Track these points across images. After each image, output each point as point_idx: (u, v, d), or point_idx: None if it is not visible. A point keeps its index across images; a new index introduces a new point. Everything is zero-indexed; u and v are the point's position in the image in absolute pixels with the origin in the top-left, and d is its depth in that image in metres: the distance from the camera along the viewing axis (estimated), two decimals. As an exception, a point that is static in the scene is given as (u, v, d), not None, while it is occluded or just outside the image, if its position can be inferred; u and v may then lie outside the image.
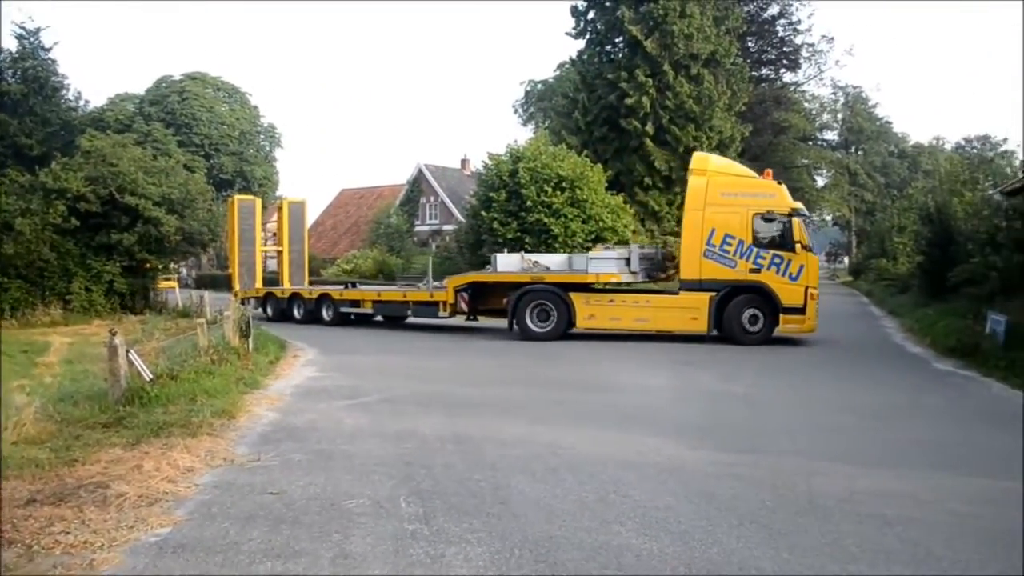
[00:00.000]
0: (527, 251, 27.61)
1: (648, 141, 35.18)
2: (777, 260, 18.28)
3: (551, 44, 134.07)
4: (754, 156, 41.14)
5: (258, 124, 69.89)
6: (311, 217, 46.10)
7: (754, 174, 20.24)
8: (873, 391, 12.75)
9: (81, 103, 49.85)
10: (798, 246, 18.34)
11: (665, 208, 35.82)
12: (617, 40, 37.76)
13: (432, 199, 53.55)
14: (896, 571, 5.26)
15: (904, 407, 11.40)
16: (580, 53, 39.03)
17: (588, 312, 19.30)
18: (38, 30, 44.47)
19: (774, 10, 47.08)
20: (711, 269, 18.57)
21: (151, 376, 10.60)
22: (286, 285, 27.00)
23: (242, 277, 26.47)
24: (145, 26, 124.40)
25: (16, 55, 43.77)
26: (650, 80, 34.99)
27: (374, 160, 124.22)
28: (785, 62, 49.05)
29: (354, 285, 26.93)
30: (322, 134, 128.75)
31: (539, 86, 62.23)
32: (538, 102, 60.95)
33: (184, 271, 49.44)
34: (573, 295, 19.38)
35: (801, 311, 18.20)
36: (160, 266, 27.66)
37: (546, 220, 28.87)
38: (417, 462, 7.90)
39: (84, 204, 23.79)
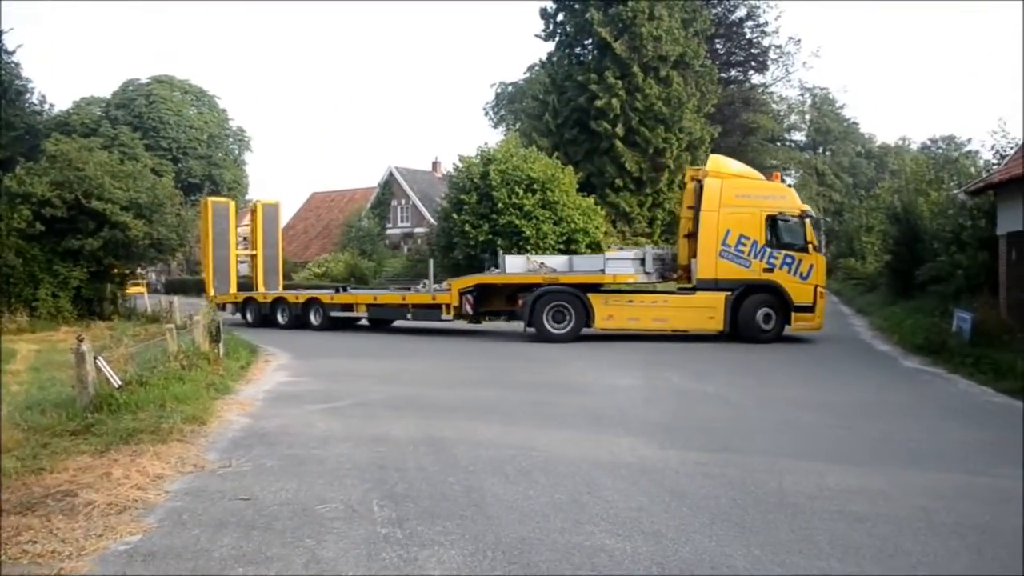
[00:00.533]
0: (501, 253, 27.63)
1: (618, 143, 35.32)
2: (789, 260, 18.91)
3: (521, 46, 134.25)
4: (724, 157, 41.41)
5: (227, 127, 69.25)
6: (282, 221, 45.70)
7: (763, 177, 20.86)
8: (842, 389, 12.90)
9: (46, 107, 49.41)
10: (810, 246, 19.06)
11: (636, 209, 35.99)
12: (587, 42, 37.88)
13: (403, 202, 53.37)
14: (865, 566, 5.33)
15: (873, 404, 11.53)
16: (550, 55, 39.12)
17: (607, 312, 19.48)
18: (0, 33, 43.86)
19: (742, 12, 47.52)
20: (726, 269, 19.02)
21: (120, 382, 10.47)
22: (260, 289, 26.59)
23: (216, 282, 25.98)
24: (111, 29, 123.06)
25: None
26: (620, 82, 35.15)
27: (345, 163, 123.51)
28: (753, 64, 49.46)
29: (345, 289, 26.61)
30: (292, 137, 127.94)
31: (509, 88, 62.29)
32: (509, 104, 60.99)
33: (153, 276, 48.95)
34: (592, 296, 19.52)
35: (811, 309, 18.89)
36: (128, 271, 27.35)
37: (517, 222, 28.88)
38: (390, 465, 7.88)
39: (50, 209, 23.43)
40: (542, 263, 21.07)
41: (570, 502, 6.66)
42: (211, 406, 10.72)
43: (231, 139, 69.94)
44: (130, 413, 9.64)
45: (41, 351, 17.54)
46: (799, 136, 71.98)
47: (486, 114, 66.38)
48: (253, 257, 28.02)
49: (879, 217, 32.15)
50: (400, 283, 27.49)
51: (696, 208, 20.21)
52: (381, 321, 23.98)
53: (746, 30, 47.93)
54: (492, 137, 75.57)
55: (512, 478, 7.38)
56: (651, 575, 5.21)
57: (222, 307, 25.27)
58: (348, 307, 23.45)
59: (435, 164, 57.36)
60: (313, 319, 23.63)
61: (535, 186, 29.65)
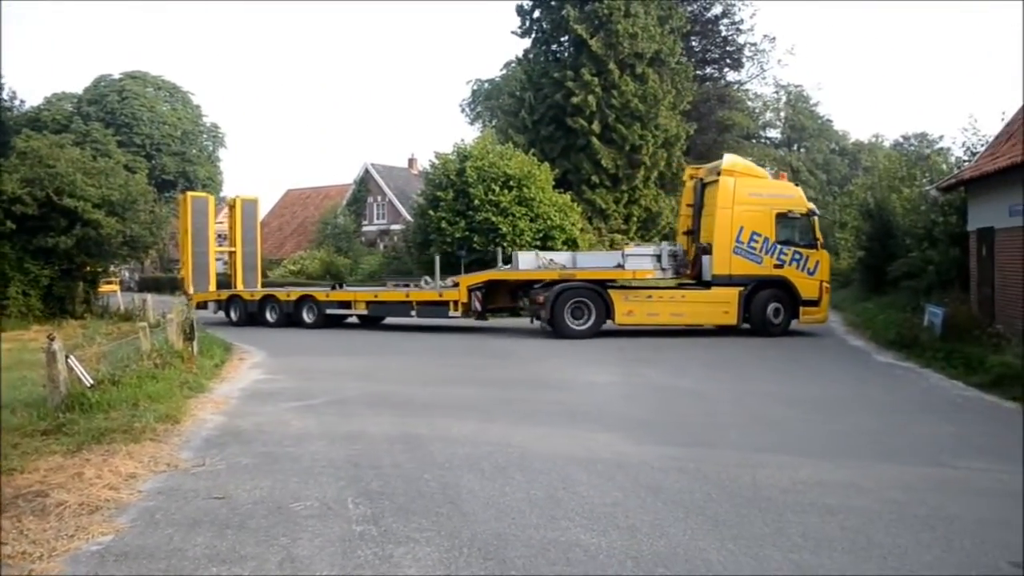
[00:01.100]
0: (474, 250, 27.62)
1: (594, 139, 35.35)
2: (797, 256, 19.67)
3: (497, 43, 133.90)
4: (699, 154, 41.51)
5: (201, 123, 68.71)
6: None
7: (769, 176, 21.72)
8: (816, 384, 13.03)
9: (16, 103, 48.76)
10: (818, 243, 19.95)
11: (612, 206, 36.03)
12: (563, 39, 37.86)
13: (380, 199, 53.15)
14: (838, 559, 5.38)
15: (845, 399, 11.65)
16: (526, 52, 39.06)
17: (627, 308, 19.65)
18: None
19: (717, 10, 47.56)
20: (740, 265, 19.57)
21: (92, 382, 10.37)
22: (239, 287, 26.15)
23: (196, 279, 25.45)
24: (83, 23, 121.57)
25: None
26: (596, 79, 35.17)
27: (320, 159, 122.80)
28: (728, 61, 49.57)
29: (340, 285, 26.24)
30: (267, 134, 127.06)
31: (486, 85, 62.14)
32: (485, 101, 60.83)
33: (126, 274, 48.41)
34: (612, 292, 19.67)
35: (816, 303, 19.69)
36: (101, 269, 27.02)
37: (494, 219, 28.86)
38: (365, 463, 7.86)
39: (20, 207, 23.08)
40: (551, 259, 21.25)
41: (546, 498, 6.68)
42: (185, 405, 10.65)
43: (205, 135, 69.41)
44: (102, 412, 9.54)
45: (11, 350, 17.31)
46: (774, 133, 72.38)
47: (462, 111, 66.21)
48: (232, 254, 27.45)
49: (852, 213, 32.44)
50: (397, 280, 26.88)
51: (695, 206, 20.99)
52: (372, 319, 23.66)
53: (721, 28, 48.03)
54: (468, 134, 75.32)
55: (488, 475, 7.38)
56: (625, 570, 5.23)
57: (203, 305, 24.92)
58: (346, 304, 23.05)
59: (411, 161, 57.18)
60: (306, 317, 23.21)
61: (511, 183, 29.64)
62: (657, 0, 37.50)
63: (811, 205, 20.51)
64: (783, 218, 19.78)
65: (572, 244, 29.41)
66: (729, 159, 21.10)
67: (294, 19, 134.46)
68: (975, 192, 17.62)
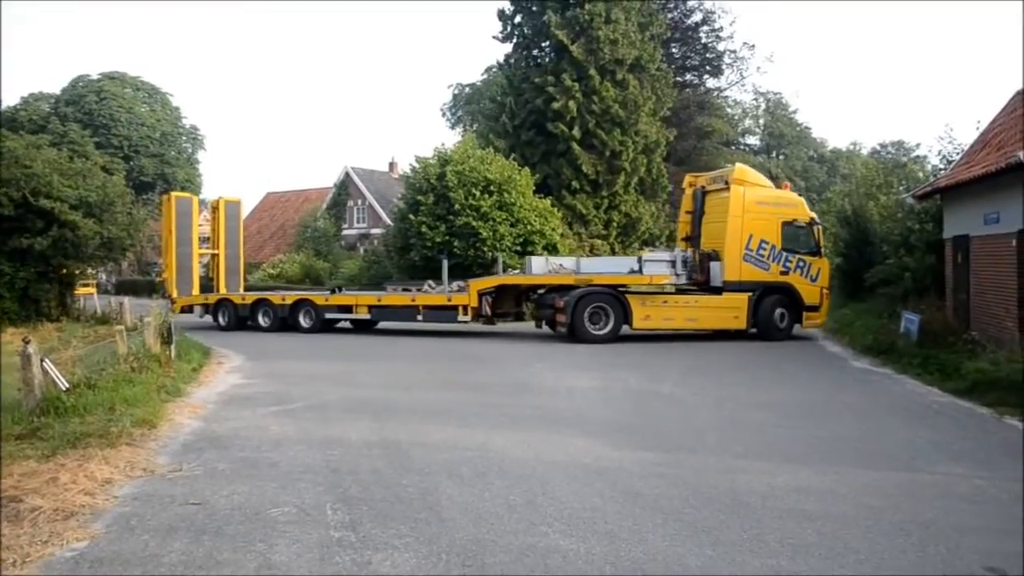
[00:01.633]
0: (454, 255, 27.55)
1: (575, 145, 35.40)
2: (801, 263, 20.48)
3: (479, 48, 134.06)
4: (679, 160, 41.75)
5: (180, 125, 68.24)
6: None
7: (773, 185, 22.36)
8: (793, 389, 13.11)
9: (-8, 103, 47.99)
10: (820, 251, 20.81)
11: (592, 211, 36.08)
12: (544, 44, 37.91)
13: (360, 202, 53.02)
14: (814, 564, 5.42)
15: (822, 405, 11.72)
16: (507, 57, 39.10)
17: (644, 313, 19.88)
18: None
19: (697, 17, 47.81)
20: (749, 271, 20.16)
21: (67, 385, 10.28)
22: (222, 290, 25.74)
23: (179, 282, 25.00)
24: (61, 23, 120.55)
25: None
26: (576, 84, 35.24)
27: (300, 163, 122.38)
28: (708, 68, 49.82)
29: (340, 289, 25.81)
30: (247, 136, 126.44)
31: (467, 89, 62.12)
32: (466, 105, 60.80)
33: (103, 277, 48.00)
34: (630, 297, 19.85)
35: (817, 308, 20.52)
36: (77, 271, 26.75)
37: (474, 223, 28.83)
38: (344, 468, 7.83)
39: (-5, 208, 22.87)
40: (561, 264, 21.44)
41: (525, 503, 6.68)
42: (162, 409, 10.56)
43: (184, 137, 68.95)
44: (78, 416, 9.46)
45: (-15, 353, 17.14)
46: (753, 140, 72.84)
47: (443, 115, 66.15)
48: (215, 256, 27.01)
49: (830, 220, 32.62)
50: (396, 284, 26.40)
51: (695, 213, 21.65)
52: (364, 324, 23.33)
53: (701, 35, 48.27)
54: (449, 138, 75.30)
55: (467, 480, 7.38)
56: (604, 575, 5.24)
57: (188, 309, 24.60)
58: (346, 309, 22.82)
59: (392, 165, 57.06)
60: (303, 321, 22.85)
61: (492, 187, 29.63)
62: (638, 7, 37.64)
63: (813, 214, 21.29)
64: (788, 226, 20.49)
65: (552, 249, 29.41)
66: (740, 169, 21.58)
67: (275, 21, 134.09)
68: (951, 200, 17.80)
